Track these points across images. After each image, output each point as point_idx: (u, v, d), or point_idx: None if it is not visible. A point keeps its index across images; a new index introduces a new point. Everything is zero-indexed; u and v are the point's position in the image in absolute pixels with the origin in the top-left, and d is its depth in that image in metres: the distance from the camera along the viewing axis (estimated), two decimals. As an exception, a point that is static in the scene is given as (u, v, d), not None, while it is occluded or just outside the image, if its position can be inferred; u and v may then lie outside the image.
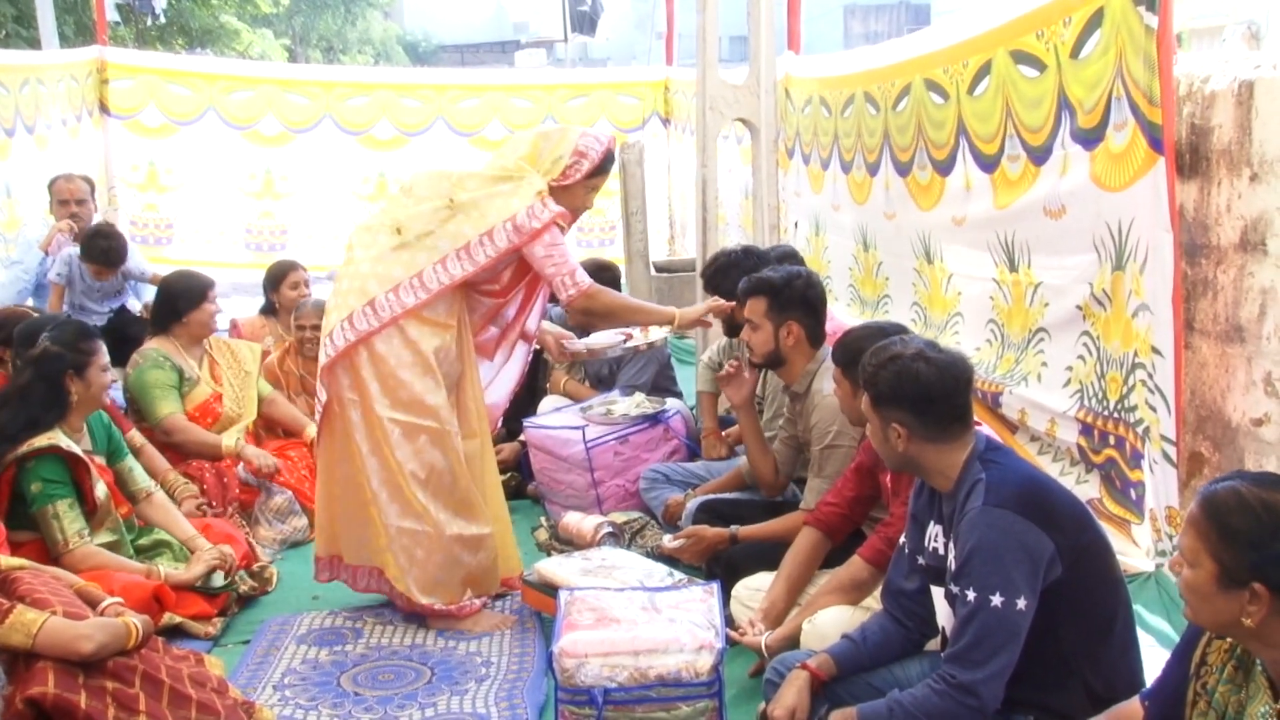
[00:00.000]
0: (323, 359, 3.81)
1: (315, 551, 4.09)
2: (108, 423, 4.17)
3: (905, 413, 2.60)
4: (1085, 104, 3.91)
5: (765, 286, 3.87)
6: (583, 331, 4.73)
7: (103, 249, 6.24)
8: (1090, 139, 3.92)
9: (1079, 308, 4.11)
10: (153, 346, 4.96)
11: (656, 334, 4.57)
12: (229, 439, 4.80)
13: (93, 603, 3.00)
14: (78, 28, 15.69)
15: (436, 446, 3.80)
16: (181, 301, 4.99)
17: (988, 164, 4.69)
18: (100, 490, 3.87)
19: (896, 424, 2.61)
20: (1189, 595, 1.90)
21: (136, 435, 4.58)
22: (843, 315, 6.15)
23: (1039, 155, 4.29)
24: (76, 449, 3.81)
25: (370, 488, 3.80)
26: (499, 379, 4.19)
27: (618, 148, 4.03)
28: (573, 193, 3.88)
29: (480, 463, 3.99)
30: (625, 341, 4.52)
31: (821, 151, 6.78)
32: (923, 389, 2.57)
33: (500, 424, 5.44)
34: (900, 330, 3.31)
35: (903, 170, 5.50)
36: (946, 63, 4.93)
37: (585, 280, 3.81)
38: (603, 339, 4.58)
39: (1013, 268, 4.59)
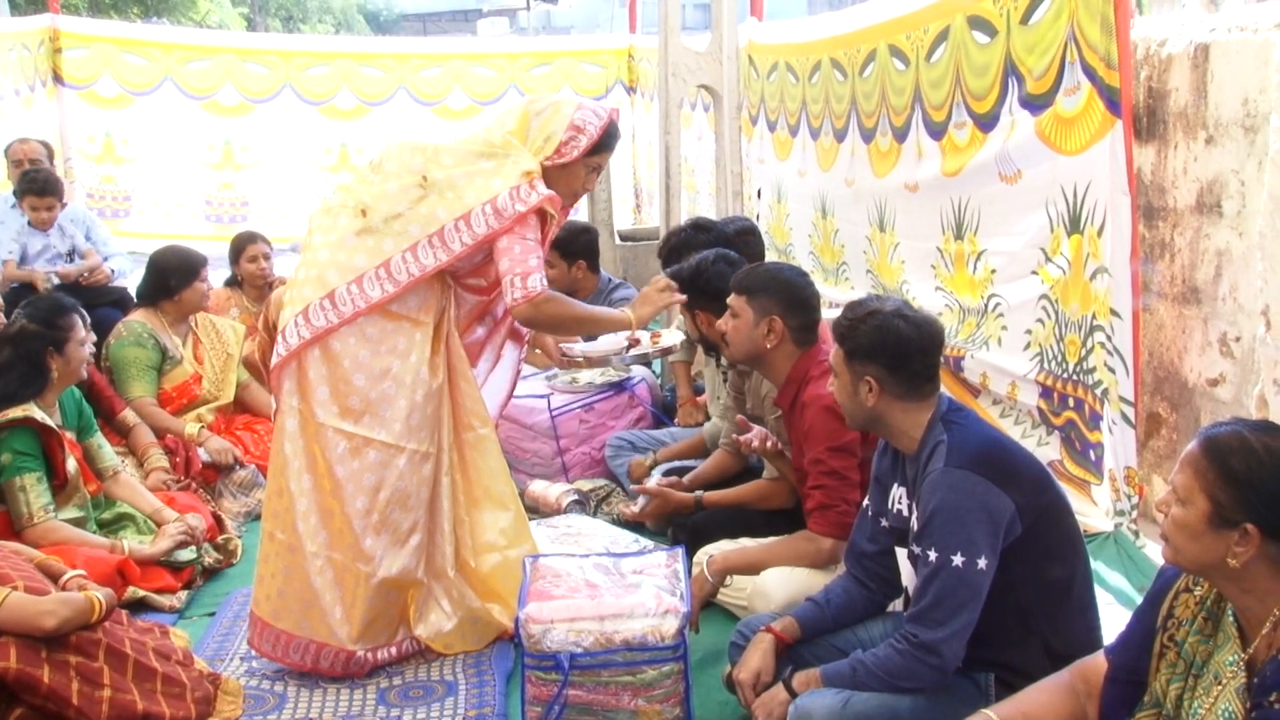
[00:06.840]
0: (274, 359, 3.32)
1: (251, 605, 3.46)
2: (79, 399, 4.13)
3: (880, 368, 2.62)
4: (1035, 70, 3.92)
5: (695, 297, 3.74)
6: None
7: (33, 178, 5.79)
8: (1038, 104, 3.94)
9: (1034, 272, 4.14)
10: (138, 320, 4.88)
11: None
12: (191, 427, 4.74)
13: (54, 576, 2.98)
14: (29, -4, 15.44)
15: (386, 467, 3.27)
16: (174, 278, 4.90)
17: (936, 131, 4.72)
18: (71, 464, 3.84)
19: (870, 378, 2.63)
20: (1176, 533, 1.92)
21: (130, 415, 4.54)
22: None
23: (985, 122, 4.31)
24: (50, 422, 3.79)
25: (295, 513, 3.27)
26: (487, 387, 3.65)
27: (618, 119, 3.52)
28: (572, 173, 3.41)
29: (485, 458, 3.49)
30: (630, 348, 3.83)
31: (789, 118, 6.77)
32: (901, 345, 2.61)
33: None
34: (800, 275, 3.43)
35: (867, 136, 5.51)
36: (910, 28, 4.94)
37: (537, 286, 3.24)
38: (604, 345, 3.95)
39: (959, 235, 4.61)
